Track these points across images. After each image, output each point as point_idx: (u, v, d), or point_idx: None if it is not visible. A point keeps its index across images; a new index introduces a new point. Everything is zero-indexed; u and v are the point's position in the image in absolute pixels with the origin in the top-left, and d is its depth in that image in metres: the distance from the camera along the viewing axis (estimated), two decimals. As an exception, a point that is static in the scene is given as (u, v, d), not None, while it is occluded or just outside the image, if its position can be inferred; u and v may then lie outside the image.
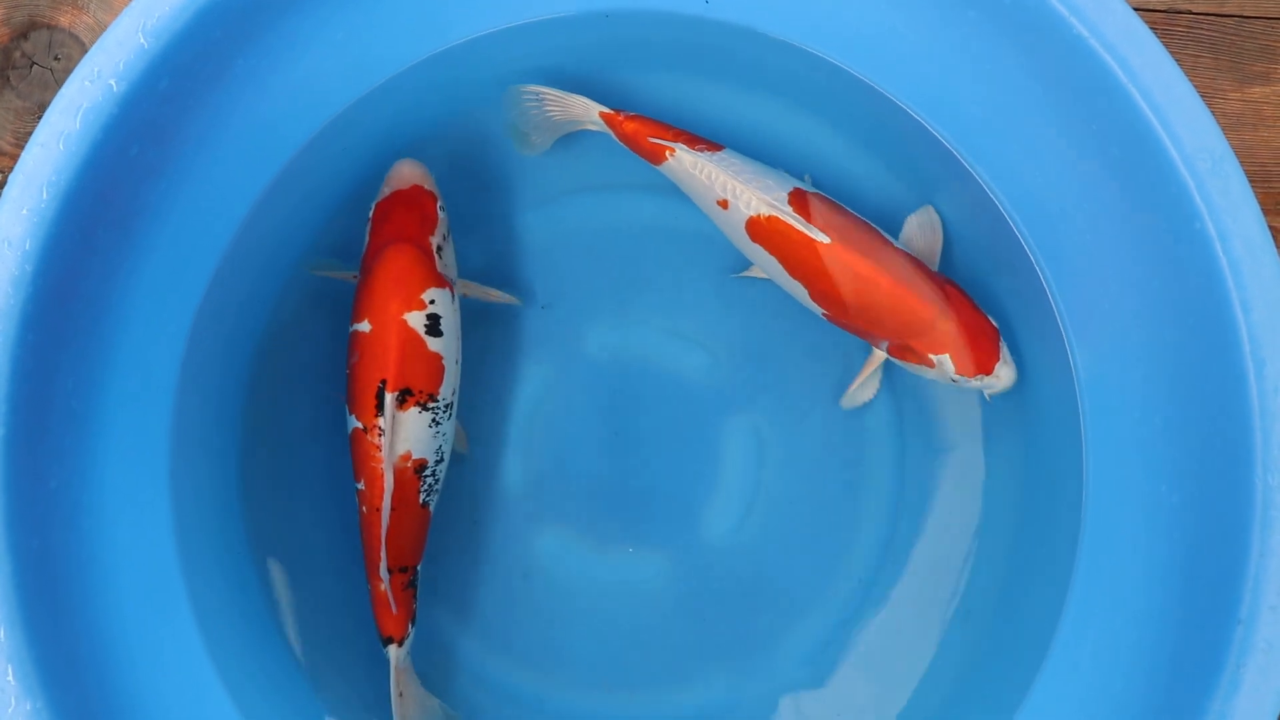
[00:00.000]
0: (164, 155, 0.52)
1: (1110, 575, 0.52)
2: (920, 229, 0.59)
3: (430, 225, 0.57)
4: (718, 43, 0.60)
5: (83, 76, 0.48)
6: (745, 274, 0.62)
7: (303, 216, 0.61)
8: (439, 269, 0.57)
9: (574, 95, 0.59)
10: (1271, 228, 0.69)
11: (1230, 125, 0.70)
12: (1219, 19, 0.71)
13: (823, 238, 0.54)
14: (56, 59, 0.69)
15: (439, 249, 0.57)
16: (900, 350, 0.56)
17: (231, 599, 0.57)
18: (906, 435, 0.61)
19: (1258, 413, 0.44)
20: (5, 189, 0.48)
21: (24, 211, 0.47)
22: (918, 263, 0.57)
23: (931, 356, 0.55)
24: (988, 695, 0.56)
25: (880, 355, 0.58)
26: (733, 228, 0.58)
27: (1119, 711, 0.48)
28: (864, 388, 0.60)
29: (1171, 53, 0.46)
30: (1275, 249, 0.44)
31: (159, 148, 0.52)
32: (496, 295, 0.61)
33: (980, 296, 0.58)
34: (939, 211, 0.59)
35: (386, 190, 0.58)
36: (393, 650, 0.55)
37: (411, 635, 0.56)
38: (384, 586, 0.55)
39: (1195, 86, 0.49)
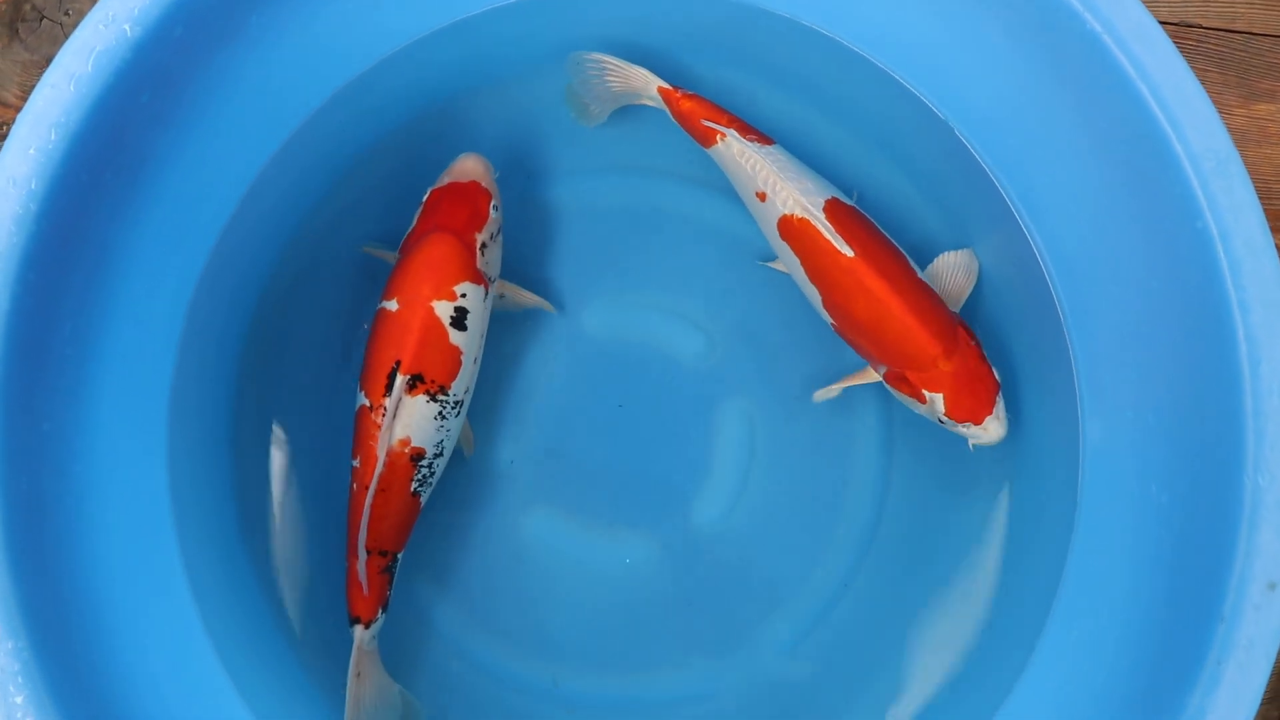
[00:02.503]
0: (174, 105, 0.52)
1: (1099, 573, 0.52)
2: (954, 269, 0.59)
3: (479, 222, 0.57)
4: (782, 45, 0.60)
5: (97, 20, 0.48)
6: (771, 264, 0.62)
7: (313, 180, 0.61)
8: (478, 265, 0.57)
9: (635, 66, 0.59)
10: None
11: (1234, 141, 0.70)
12: (1228, 34, 0.71)
13: (847, 250, 0.55)
14: (67, 14, 0.69)
15: (483, 246, 0.57)
16: (896, 379, 0.56)
17: (222, 560, 0.56)
18: (895, 432, 0.61)
19: (1250, 413, 0.44)
20: (14, 127, 0.48)
21: (31, 151, 0.47)
22: (936, 298, 0.56)
23: (925, 392, 0.55)
24: (972, 689, 0.56)
25: (874, 376, 0.58)
26: (766, 221, 0.58)
27: (1101, 705, 0.48)
28: (850, 381, 0.60)
29: (1178, 64, 0.46)
30: (1276, 252, 0.44)
31: (170, 97, 0.52)
32: (531, 299, 0.61)
33: (992, 326, 0.58)
34: (979, 256, 0.59)
35: (445, 179, 0.59)
36: (358, 631, 0.54)
37: (381, 620, 0.55)
38: (359, 565, 0.55)
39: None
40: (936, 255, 0.59)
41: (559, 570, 0.61)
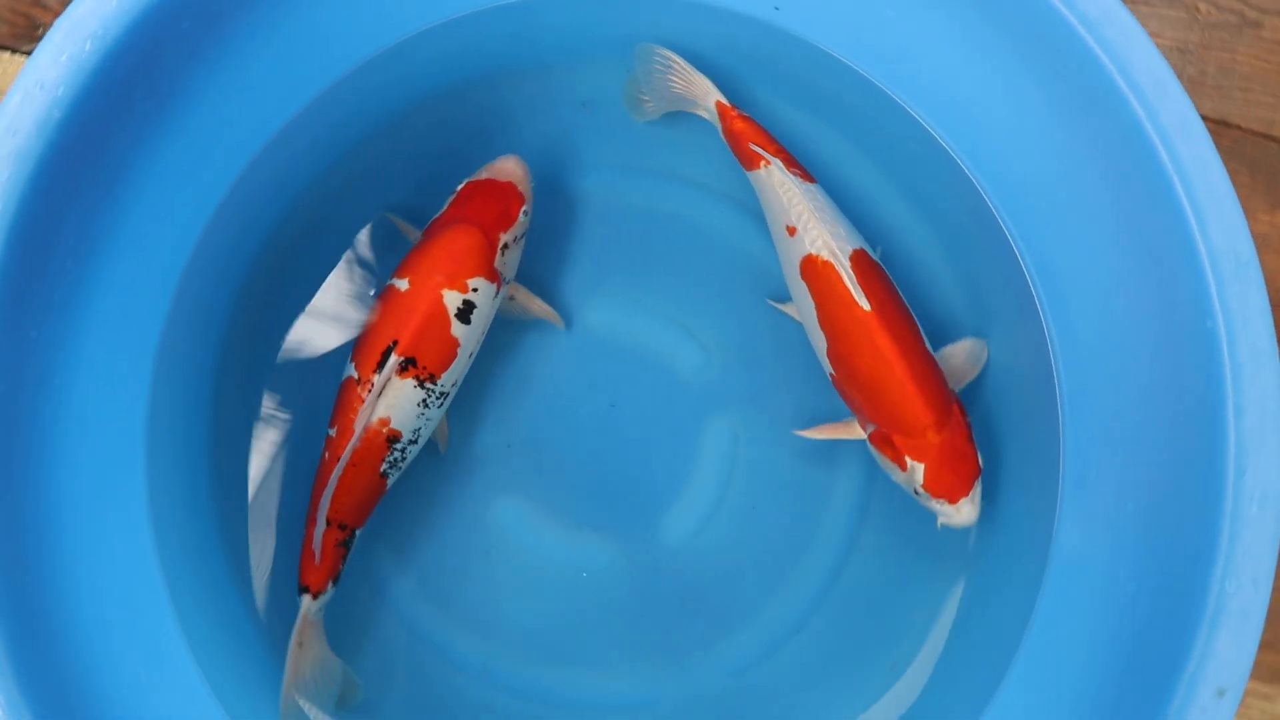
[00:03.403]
0: (214, 39, 0.52)
1: (1052, 656, 0.52)
2: (962, 354, 0.58)
3: (507, 222, 0.57)
4: (829, 81, 0.60)
5: (149, -63, 0.48)
6: (780, 306, 0.62)
7: (339, 137, 0.61)
8: (496, 263, 0.57)
9: (699, 74, 0.59)
10: None
11: (1256, 246, 0.70)
12: (1265, 140, 0.71)
13: (864, 304, 0.54)
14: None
15: (505, 246, 0.57)
16: (882, 440, 0.56)
17: (190, 515, 0.56)
18: (874, 493, 0.61)
19: (1229, 517, 0.44)
20: (49, 31, 0.47)
21: (63, 58, 0.47)
22: (939, 371, 0.56)
23: (908, 459, 0.54)
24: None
25: (859, 432, 0.58)
26: (790, 257, 0.57)
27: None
28: (834, 432, 0.59)
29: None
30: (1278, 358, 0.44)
31: (211, 30, 0.52)
32: (540, 308, 0.61)
33: (988, 409, 0.58)
34: (991, 348, 0.59)
35: (482, 174, 0.59)
36: (305, 600, 0.54)
37: (330, 593, 0.55)
38: (316, 533, 0.54)
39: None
40: (948, 320, 0.59)
41: (521, 562, 0.60)
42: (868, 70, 0.59)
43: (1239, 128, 0.71)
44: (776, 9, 0.58)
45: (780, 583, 0.60)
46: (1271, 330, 0.45)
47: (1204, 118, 0.71)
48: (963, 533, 0.58)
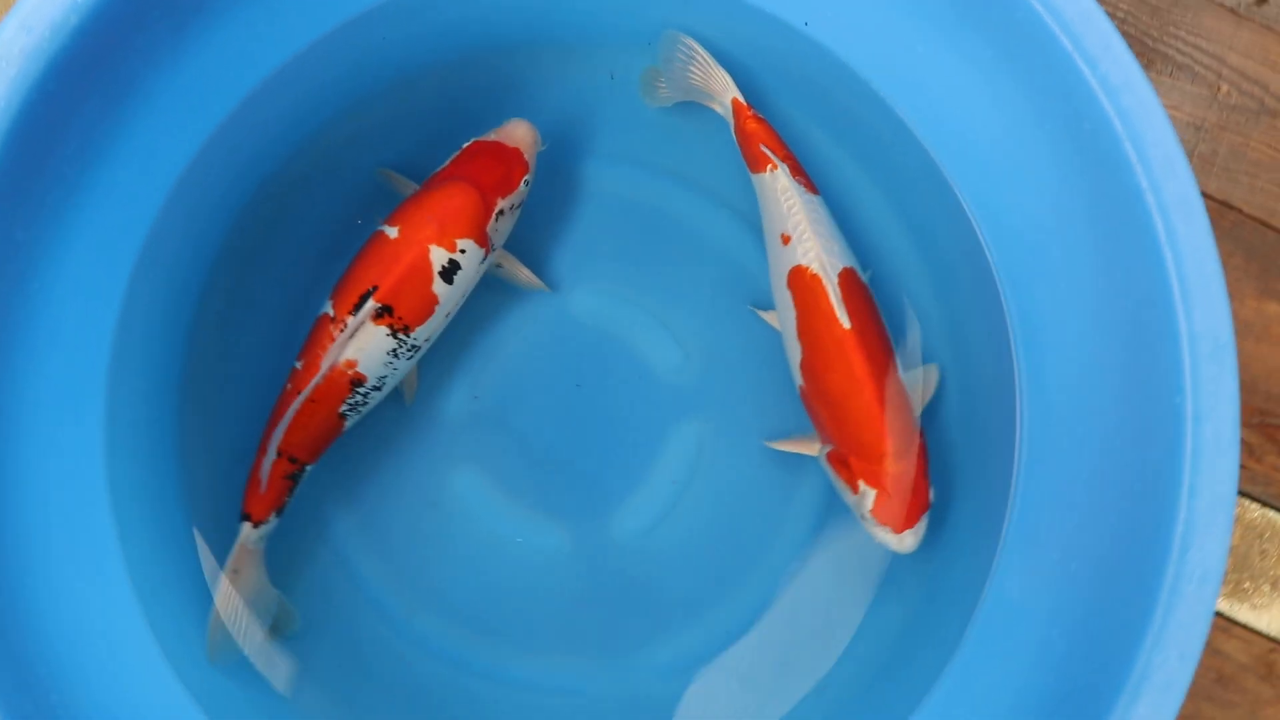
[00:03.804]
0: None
1: (975, 695, 0.52)
2: (916, 381, 0.58)
3: (507, 188, 0.57)
4: (845, 95, 0.60)
5: None
6: (762, 314, 0.62)
7: (346, 86, 0.60)
8: (488, 228, 0.57)
9: (720, 69, 0.59)
10: (1245, 441, 0.71)
11: (1237, 331, 0.71)
12: (1264, 228, 0.72)
13: (845, 321, 0.54)
14: None
15: (500, 212, 0.57)
16: (838, 460, 0.56)
17: (147, 449, 0.56)
18: (832, 512, 0.61)
19: (1167, 591, 0.45)
20: None
21: (88, -36, 0.46)
22: (908, 401, 0.56)
23: (861, 483, 0.55)
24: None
25: (815, 451, 0.58)
26: (779, 264, 0.58)
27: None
28: (796, 447, 0.60)
29: (1209, 242, 0.47)
30: (1239, 447, 0.45)
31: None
32: (527, 276, 0.61)
33: (948, 451, 0.58)
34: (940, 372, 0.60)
35: (491, 135, 0.58)
36: (245, 528, 0.54)
37: (272, 524, 0.55)
38: (265, 462, 0.55)
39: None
40: (922, 350, 0.59)
41: (466, 528, 0.61)
42: (887, 95, 0.59)
43: (1241, 211, 0.72)
44: (806, 24, 0.58)
45: (721, 594, 0.61)
46: (1237, 416, 0.45)
47: (1208, 196, 0.72)
48: (905, 563, 0.58)
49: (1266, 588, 0.71)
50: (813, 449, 0.58)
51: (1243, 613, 0.70)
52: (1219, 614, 0.71)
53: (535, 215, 0.63)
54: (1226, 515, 0.45)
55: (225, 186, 0.58)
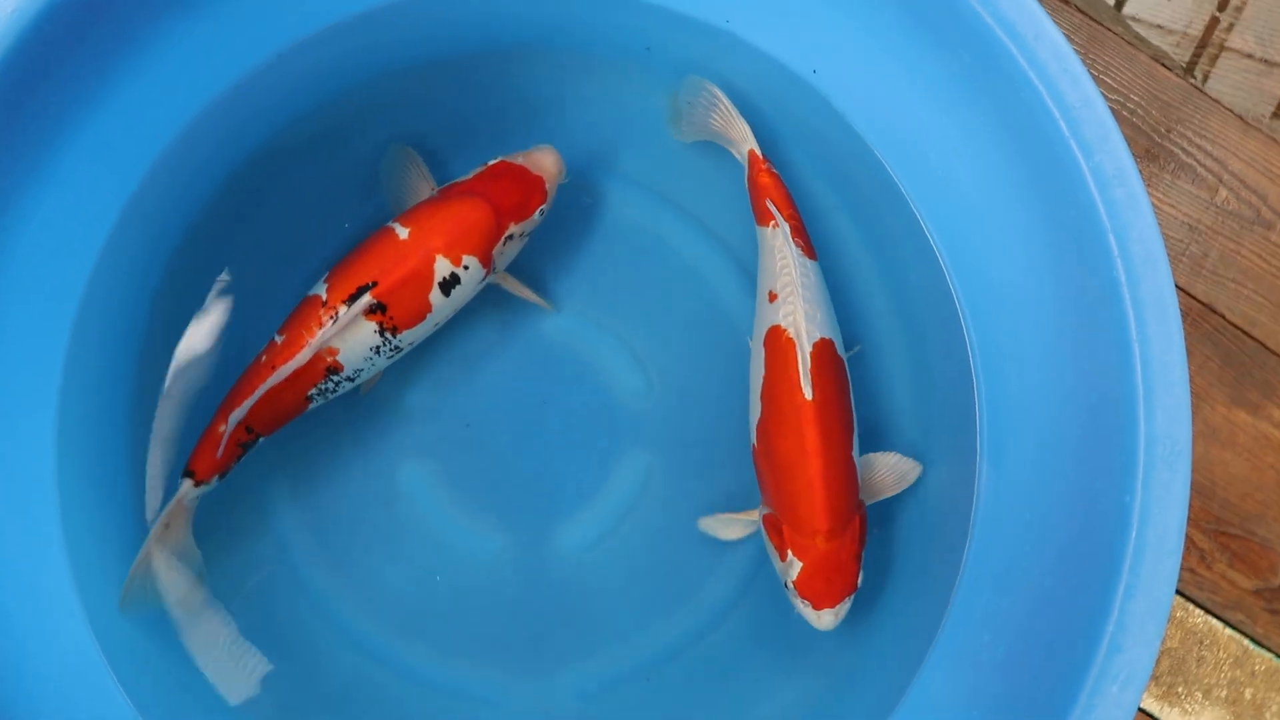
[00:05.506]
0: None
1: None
2: (890, 470, 0.58)
3: (522, 215, 0.58)
4: (849, 167, 0.61)
5: None
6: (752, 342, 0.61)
7: (347, 66, 0.60)
8: (494, 249, 0.57)
9: (741, 119, 0.59)
10: (1196, 546, 0.71)
11: (1202, 433, 0.71)
12: (1244, 336, 0.72)
13: (808, 392, 0.54)
14: None
15: (509, 237, 0.57)
16: (773, 525, 0.55)
17: (97, 413, 0.56)
18: (767, 561, 0.60)
19: (1088, 690, 0.45)
20: None
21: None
22: (854, 483, 0.55)
23: (789, 553, 0.54)
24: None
25: (755, 517, 0.58)
26: (762, 320, 0.57)
27: None
28: (728, 526, 0.59)
29: (1186, 343, 0.47)
30: (1181, 550, 0.45)
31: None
32: (529, 295, 0.61)
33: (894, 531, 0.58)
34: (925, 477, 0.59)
35: (518, 158, 0.59)
36: (186, 484, 0.54)
37: (213, 485, 0.55)
38: (224, 429, 0.54)
39: (1191, 383, 0.49)
40: (891, 429, 0.59)
41: (408, 524, 0.60)
42: (882, 154, 0.59)
43: (1223, 317, 0.72)
44: (814, 71, 0.58)
45: (649, 624, 0.60)
46: (1183, 523, 0.45)
47: (1194, 298, 0.72)
48: (830, 639, 0.58)
49: (1199, 695, 0.70)
50: (751, 515, 0.58)
51: (1172, 717, 0.70)
52: (1149, 715, 0.70)
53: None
54: (1159, 622, 0.45)
55: (189, 180, 0.58)
